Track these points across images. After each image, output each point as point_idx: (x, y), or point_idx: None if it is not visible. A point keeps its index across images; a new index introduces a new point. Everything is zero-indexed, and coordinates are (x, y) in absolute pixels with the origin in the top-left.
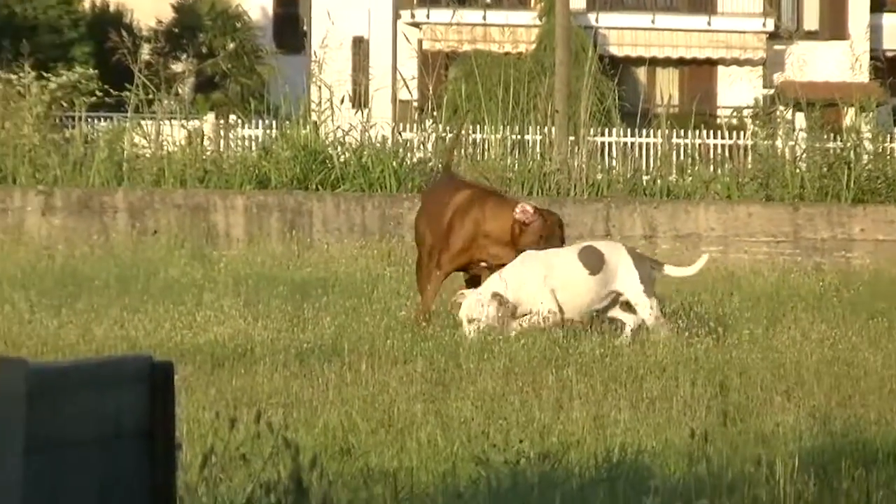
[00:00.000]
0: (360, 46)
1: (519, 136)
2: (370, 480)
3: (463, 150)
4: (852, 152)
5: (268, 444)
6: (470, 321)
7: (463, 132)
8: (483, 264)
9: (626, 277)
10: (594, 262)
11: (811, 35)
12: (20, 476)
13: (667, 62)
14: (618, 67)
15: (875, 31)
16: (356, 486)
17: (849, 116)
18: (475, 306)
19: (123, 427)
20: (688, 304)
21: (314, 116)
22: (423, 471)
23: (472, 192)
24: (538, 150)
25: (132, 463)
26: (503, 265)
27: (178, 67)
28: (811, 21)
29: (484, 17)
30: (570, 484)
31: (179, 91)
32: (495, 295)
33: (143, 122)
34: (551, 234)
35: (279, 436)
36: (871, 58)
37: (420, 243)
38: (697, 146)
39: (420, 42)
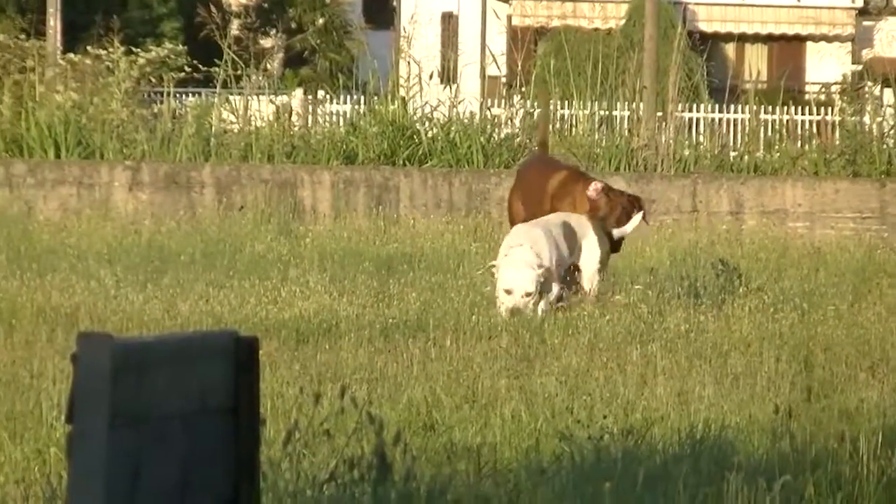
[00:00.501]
0: (448, 22)
1: (607, 112)
2: (453, 456)
3: (551, 126)
4: None
5: (352, 419)
6: (527, 294)
7: (550, 107)
8: None
9: (588, 254)
10: (570, 236)
11: None
12: (104, 451)
13: (755, 38)
14: (706, 43)
15: None
16: (439, 461)
17: None
18: (529, 279)
19: (208, 402)
20: (773, 279)
21: (402, 92)
22: (507, 446)
23: (569, 173)
24: (626, 126)
25: (216, 438)
26: None
27: (266, 43)
28: None
29: None
30: (653, 460)
31: (268, 67)
32: (542, 267)
33: (231, 98)
34: (611, 213)
35: (363, 411)
36: None
37: (513, 221)
38: (785, 122)
39: (509, 18)
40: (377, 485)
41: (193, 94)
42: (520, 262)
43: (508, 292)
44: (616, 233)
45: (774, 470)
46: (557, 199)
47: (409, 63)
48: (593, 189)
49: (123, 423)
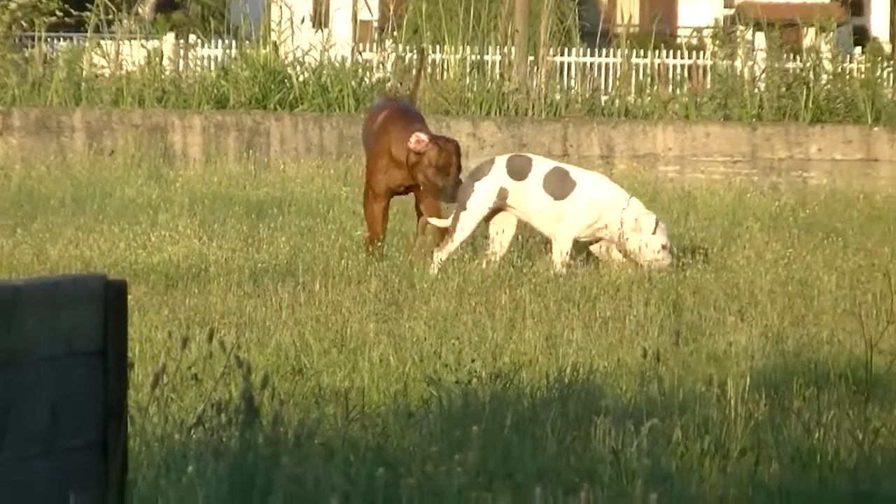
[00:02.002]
0: None
1: (478, 57)
2: (322, 400)
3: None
4: (811, 72)
5: (220, 363)
6: (664, 247)
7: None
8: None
9: None
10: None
11: None
12: None
13: None
14: None
15: None
16: (308, 405)
17: (808, 37)
18: (664, 230)
19: (76, 346)
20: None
21: (274, 36)
22: (375, 391)
23: (388, 114)
24: (497, 70)
25: (84, 381)
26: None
27: None
28: None
29: None
30: (521, 403)
31: (139, 11)
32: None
33: (102, 43)
34: (447, 164)
35: (231, 355)
36: None
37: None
38: (657, 66)
39: None
40: (245, 429)
41: (65, 38)
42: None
43: (665, 247)
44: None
45: (642, 413)
46: (377, 138)
47: (280, 7)
48: (416, 140)
49: None
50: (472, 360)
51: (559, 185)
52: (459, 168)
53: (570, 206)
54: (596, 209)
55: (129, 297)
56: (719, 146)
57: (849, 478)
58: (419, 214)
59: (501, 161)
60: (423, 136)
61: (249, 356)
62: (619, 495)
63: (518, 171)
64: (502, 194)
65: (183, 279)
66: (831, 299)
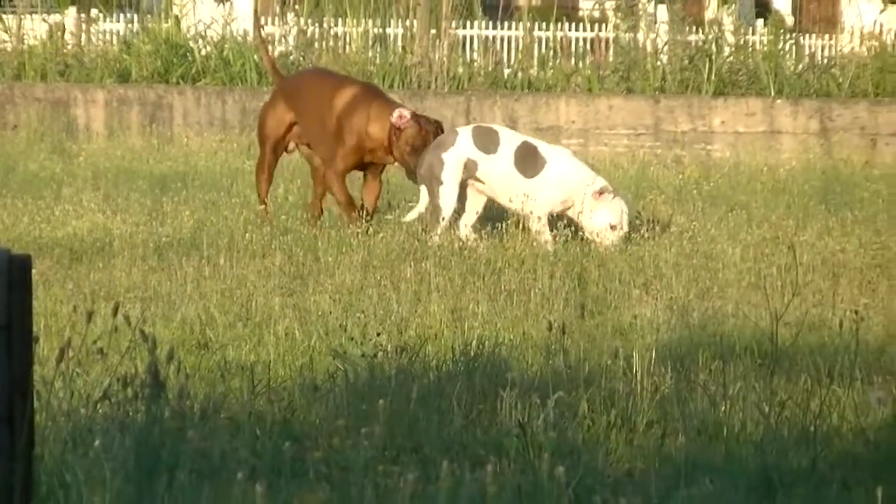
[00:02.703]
0: None
1: (381, 29)
2: (227, 374)
3: (325, 44)
4: (713, 45)
5: (125, 338)
6: (613, 227)
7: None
8: (369, 163)
9: None
10: None
11: None
12: None
13: None
14: None
15: None
16: (213, 379)
17: (711, 9)
18: (618, 210)
19: None
20: None
21: (176, 10)
22: (281, 364)
23: (363, 88)
24: (400, 43)
25: None
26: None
27: None
28: None
29: None
30: (427, 377)
31: None
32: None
33: (3, 17)
34: (424, 143)
35: (136, 329)
36: None
37: (266, 137)
38: (559, 39)
39: None
40: (151, 403)
41: None
42: (616, 198)
43: (614, 227)
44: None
45: (548, 387)
46: (346, 116)
47: None
48: (399, 116)
49: None
50: (378, 334)
51: (530, 163)
52: None
53: (542, 184)
54: (566, 187)
55: (34, 271)
56: (622, 119)
57: (755, 450)
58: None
59: (466, 132)
60: (406, 113)
61: (155, 330)
62: (525, 468)
63: (485, 144)
64: (470, 167)
65: (87, 253)
66: (736, 272)
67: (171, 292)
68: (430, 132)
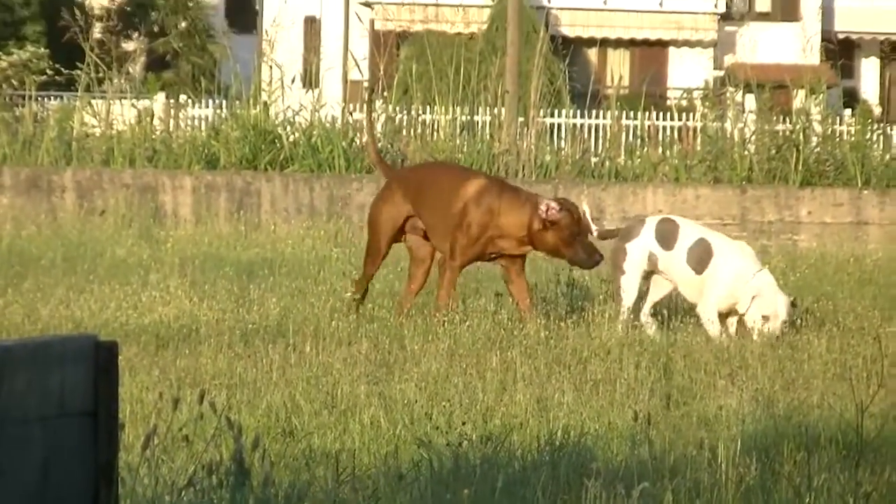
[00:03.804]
0: (311, 26)
1: (469, 117)
2: (312, 462)
3: (412, 131)
4: (801, 135)
5: (211, 425)
6: (766, 318)
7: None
8: (493, 256)
9: None
10: None
11: (763, 16)
12: None
13: (618, 43)
14: (569, 48)
15: (827, 13)
16: (298, 467)
17: (798, 99)
18: (774, 303)
19: (67, 405)
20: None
21: (264, 96)
22: (366, 452)
23: (487, 182)
24: (488, 130)
25: (75, 441)
26: (513, 257)
27: (129, 46)
28: (763, 2)
29: None
30: (512, 466)
31: (130, 70)
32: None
33: (93, 101)
34: (580, 230)
35: (222, 416)
36: (823, 40)
37: (378, 231)
38: (647, 128)
39: (372, 22)
40: (235, 490)
41: (55, 97)
42: (774, 286)
43: (767, 318)
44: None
45: (633, 477)
46: (473, 209)
47: (271, 67)
48: (547, 208)
49: None
50: (463, 423)
51: (701, 259)
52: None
53: (710, 282)
54: (733, 284)
55: (120, 357)
56: (709, 208)
57: None
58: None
59: (651, 224)
60: (553, 203)
61: (240, 417)
62: None
63: (665, 237)
64: (652, 259)
65: (174, 340)
66: (821, 363)
67: (256, 379)
68: (580, 214)
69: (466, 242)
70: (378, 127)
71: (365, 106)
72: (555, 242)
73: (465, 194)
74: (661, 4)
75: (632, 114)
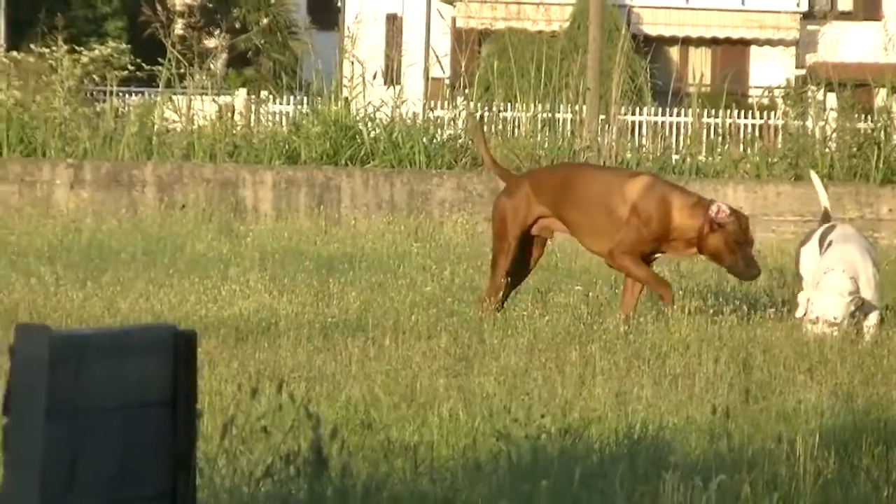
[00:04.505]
0: (393, 23)
1: (550, 114)
2: (390, 454)
3: (494, 127)
4: (882, 132)
5: (289, 416)
6: (833, 325)
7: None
8: (655, 257)
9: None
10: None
11: (845, 15)
12: (41, 442)
13: (700, 41)
14: (651, 46)
15: None
16: (376, 459)
17: (880, 97)
18: (838, 307)
19: (146, 395)
20: (714, 281)
21: (346, 92)
22: (444, 445)
23: (654, 179)
24: (569, 128)
25: (153, 431)
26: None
27: (210, 43)
28: (845, 1)
29: None
30: (590, 459)
31: (211, 66)
32: (853, 294)
33: (174, 97)
34: (746, 240)
35: (301, 407)
36: None
37: (505, 232)
38: (728, 125)
39: (454, 19)
40: (314, 481)
41: (136, 93)
42: (830, 289)
43: (814, 322)
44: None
45: (711, 469)
46: (643, 207)
47: (352, 63)
48: (718, 210)
49: (60, 414)
50: (542, 416)
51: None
52: (752, 243)
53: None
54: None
55: (200, 350)
56: (790, 205)
57: None
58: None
59: (820, 229)
60: (725, 207)
61: (319, 410)
62: None
63: (824, 242)
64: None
65: (253, 333)
66: None
67: (335, 372)
68: (747, 225)
69: (636, 240)
70: (460, 124)
71: (475, 121)
72: (718, 247)
73: (629, 195)
74: (743, 3)
75: (713, 111)
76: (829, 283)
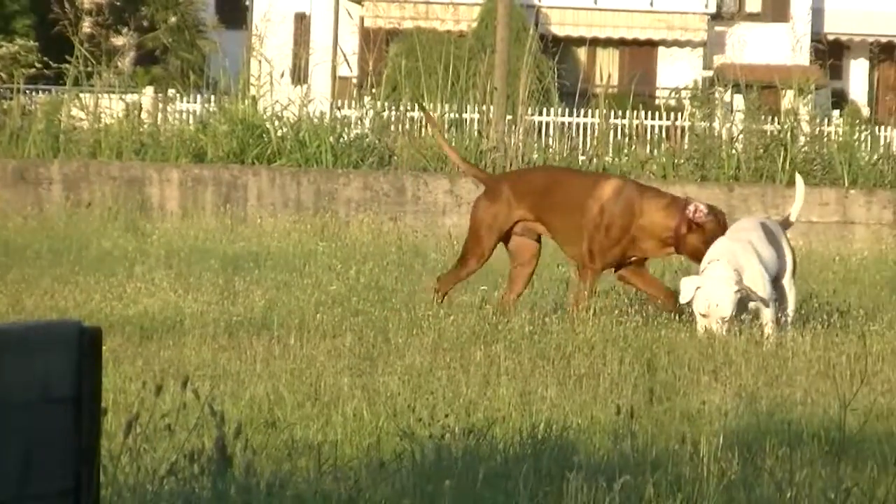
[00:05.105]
0: (301, 22)
1: (457, 114)
2: (294, 452)
3: (401, 127)
4: (789, 134)
5: (193, 414)
6: (721, 318)
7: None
8: (632, 259)
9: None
10: (774, 239)
11: (753, 17)
12: None
13: (607, 42)
14: (558, 47)
15: (817, 15)
16: (280, 457)
17: (787, 99)
18: (723, 300)
19: (50, 391)
20: (619, 283)
21: (253, 91)
22: (348, 444)
23: (623, 182)
24: (476, 128)
25: (58, 428)
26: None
27: (119, 41)
28: (754, 3)
29: None
30: (494, 459)
31: (119, 64)
32: (740, 283)
33: (81, 95)
34: (718, 237)
35: (205, 405)
36: (812, 41)
37: (487, 235)
38: (635, 126)
39: (362, 19)
40: (217, 479)
41: (44, 90)
42: (716, 278)
43: (704, 315)
44: (794, 218)
45: (615, 470)
46: (611, 211)
47: (260, 62)
48: (695, 209)
49: None
50: (446, 416)
51: None
52: None
53: None
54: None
55: (104, 347)
56: None
57: None
58: (626, 282)
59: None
60: (702, 206)
61: (223, 408)
62: None
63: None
64: None
65: (158, 331)
66: (805, 361)
67: (240, 371)
68: (726, 224)
69: (606, 245)
70: (367, 123)
71: (428, 122)
72: (698, 246)
73: (598, 198)
74: (651, 4)
75: (620, 112)
76: (714, 272)
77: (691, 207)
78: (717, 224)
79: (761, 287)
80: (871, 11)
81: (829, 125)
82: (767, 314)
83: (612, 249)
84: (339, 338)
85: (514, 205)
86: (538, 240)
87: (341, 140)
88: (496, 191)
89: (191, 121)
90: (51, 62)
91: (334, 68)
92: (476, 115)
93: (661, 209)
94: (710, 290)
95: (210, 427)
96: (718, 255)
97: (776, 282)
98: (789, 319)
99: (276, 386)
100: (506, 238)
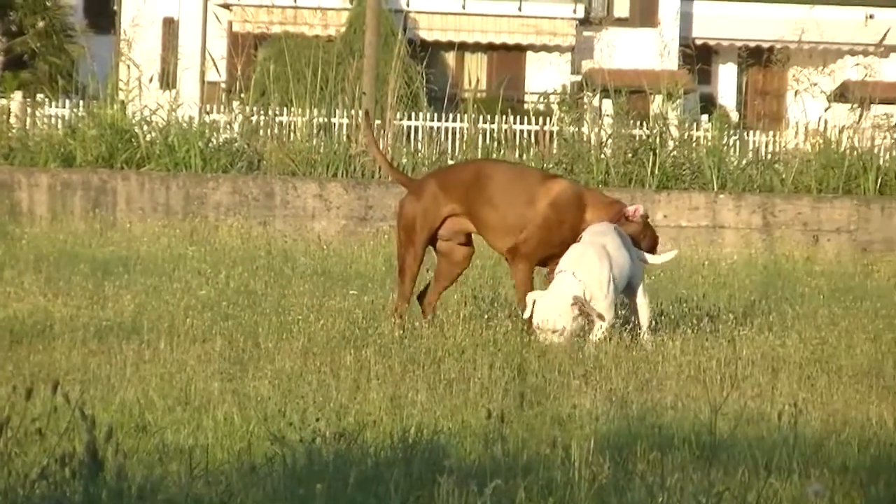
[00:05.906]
0: (170, 26)
1: (326, 119)
2: (165, 457)
3: (269, 132)
4: (658, 139)
5: (64, 419)
6: (554, 331)
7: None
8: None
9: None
10: (628, 244)
11: (621, 22)
12: None
13: (476, 47)
14: (427, 51)
15: (685, 19)
16: (151, 461)
17: (656, 104)
18: (558, 314)
19: None
20: (489, 286)
21: (122, 95)
22: (219, 449)
23: (568, 183)
24: (344, 132)
25: None
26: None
27: None
28: (622, 8)
29: (295, 0)
30: (365, 463)
31: None
32: (577, 299)
33: None
34: (654, 244)
35: (76, 410)
36: (681, 45)
37: (418, 234)
38: (504, 131)
39: (230, 23)
40: (88, 483)
41: None
42: (555, 294)
43: (541, 329)
44: (650, 259)
45: (486, 474)
46: (554, 208)
47: (128, 66)
48: (635, 210)
49: None
50: (317, 420)
51: None
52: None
53: None
54: None
55: None
56: None
57: None
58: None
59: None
60: (642, 210)
61: (94, 412)
62: None
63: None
64: None
65: (28, 335)
66: (676, 365)
67: (110, 375)
68: (653, 231)
69: (540, 242)
70: (236, 128)
71: (363, 125)
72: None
73: (546, 194)
74: (519, 9)
75: (489, 117)
76: (556, 286)
77: (631, 209)
78: (651, 230)
79: (603, 295)
80: (738, 16)
81: (697, 130)
82: (602, 326)
83: (548, 245)
84: (209, 342)
85: (443, 200)
86: (468, 243)
87: (210, 144)
88: (422, 189)
89: (60, 125)
90: None
91: (203, 73)
92: (345, 120)
93: (602, 210)
94: (546, 304)
95: (81, 431)
96: (565, 266)
97: (630, 289)
98: (644, 335)
99: (147, 390)
100: (433, 241)
